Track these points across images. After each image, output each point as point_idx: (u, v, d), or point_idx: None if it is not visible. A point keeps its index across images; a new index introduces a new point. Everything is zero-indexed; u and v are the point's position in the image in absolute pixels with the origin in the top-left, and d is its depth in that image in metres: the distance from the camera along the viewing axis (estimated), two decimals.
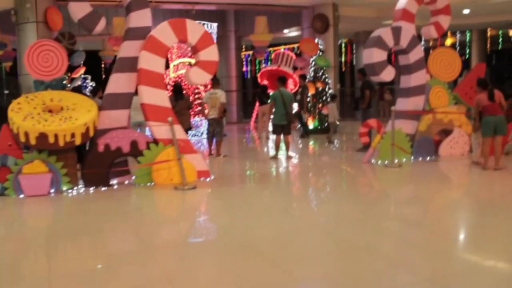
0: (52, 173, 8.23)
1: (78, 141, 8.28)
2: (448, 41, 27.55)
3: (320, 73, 17.27)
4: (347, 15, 18.98)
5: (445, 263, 4.80)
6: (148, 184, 8.85)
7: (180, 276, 4.60)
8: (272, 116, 11.82)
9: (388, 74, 10.76)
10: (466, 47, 27.55)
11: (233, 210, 7.36)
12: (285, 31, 23.18)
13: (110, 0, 15.61)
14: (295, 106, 15.40)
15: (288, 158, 11.76)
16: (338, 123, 14.51)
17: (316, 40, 17.69)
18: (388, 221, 6.50)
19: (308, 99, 17.13)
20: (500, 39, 28.34)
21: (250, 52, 29.42)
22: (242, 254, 5.14)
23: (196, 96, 16.16)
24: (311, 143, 15.29)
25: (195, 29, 9.20)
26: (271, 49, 24.24)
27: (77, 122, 8.22)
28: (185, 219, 7.06)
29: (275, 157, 11.73)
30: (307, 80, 17.09)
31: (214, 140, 12.38)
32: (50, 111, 8.42)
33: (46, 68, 9.15)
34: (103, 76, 29.06)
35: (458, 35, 27.99)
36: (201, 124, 15.97)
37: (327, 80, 17.36)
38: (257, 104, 17.52)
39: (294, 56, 18.40)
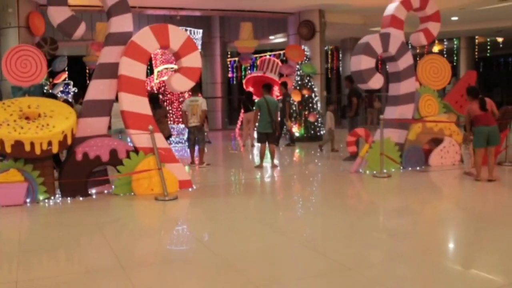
0: (28, 182, 7.86)
1: (55, 149, 7.93)
2: (436, 48, 27.49)
3: (306, 80, 17.02)
4: (333, 22, 18.77)
5: (436, 277, 4.57)
6: (128, 194, 8.52)
7: None
8: (257, 124, 11.53)
9: (376, 82, 10.52)
10: (454, 54, 27.51)
11: (215, 223, 7.05)
12: (271, 37, 22.95)
13: (93, 5, 15.24)
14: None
15: (273, 167, 11.47)
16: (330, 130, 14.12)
17: (302, 47, 17.45)
18: (377, 236, 6.22)
19: (294, 106, 16.90)
20: (488, 47, 28.34)
21: (236, 59, 29.15)
22: (221, 273, 4.83)
23: (181, 103, 15.84)
24: (297, 151, 15.02)
25: (178, 34, 8.90)
26: (256, 55, 23.98)
27: (54, 129, 7.87)
28: (164, 232, 6.73)
29: (260, 166, 11.44)
30: (293, 87, 16.88)
31: (197, 148, 12.09)
32: (27, 118, 8.07)
33: (24, 74, 8.83)
34: (88, 82, 28.59)
35: (445, 42, 27.95)
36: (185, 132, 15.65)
37: (313, 87, 17.11)
38: (242, 111, 17.22)
39: (280, 63, 18.17)
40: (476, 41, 26.64)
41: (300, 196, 8.96)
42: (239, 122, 19.32)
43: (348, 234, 6.27)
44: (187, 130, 12.16)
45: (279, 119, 12.10)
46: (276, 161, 11.82)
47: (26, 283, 4.64)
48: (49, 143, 7.80)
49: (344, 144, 13.48)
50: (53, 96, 10.96)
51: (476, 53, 27.13)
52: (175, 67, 14.88)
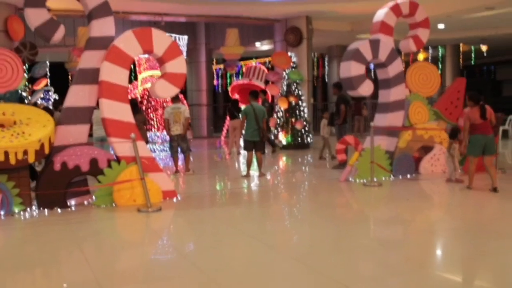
0: (2, 194, 7.45)
1: (31, 159, 7.53)
2: (421, 56, 27.41)
3: (293, 88, 16.74)
4: (320, 29, 18.55)
5: None
6: (109, 205, 8.14)
7: None
8: (243, 132, 11.21)
9: (366, 89, 10.29)
10: (438, 62, 27.45)
11: (201, 237, 6.69)
12: (257, 44, 22.69)
13: (75, 9, 14.84)
14: None
15: (261, 176, 11.14)
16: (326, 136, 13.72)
17: (289, 54, 17.18)
18: (372, 248, 5.91)
19: (280, 113, 16.62)
20: (473, 55, 28.34)
21: (221, 66, 28.87)
22: None
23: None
24: (284, 159, 14.72)
25: (162, 39, 8.57)
26: (242, 62, 23.68)
27: (30, 138, 7.47)
28: (146, 247, 6.36)
29: (247, 175, 11.10)
30: (280, 95, 16.61)
31: (181, 156, 11.78)
32: (1, 125, 7.68)
33: None
34: None
35: (430, 50, 27.90)
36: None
37: (300, 94, 16.84)
38: (228, 118, 16.89)
39: (266, 70, 17.88)
40: (461, 49, 26.63)
41: (289, 206, 8.64)
42: (224, 130, 18.98)
43: (340, 246, 5.99)
44: (169, 138, 11.80)
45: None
46: (263, 170, 11.50)
47: None
48: (25, 152, 7.40)
49: (332, 152, 13.27)
50: (48, 110, 10.51)
51: (461, 61, 27.11)
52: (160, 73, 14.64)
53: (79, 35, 17.89)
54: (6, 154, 7.28)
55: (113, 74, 8.29)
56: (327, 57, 27.46)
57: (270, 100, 17.63)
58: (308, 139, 16.76)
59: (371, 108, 21.07)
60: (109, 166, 8.16)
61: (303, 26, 17.68)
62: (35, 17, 8.15)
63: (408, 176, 10.65)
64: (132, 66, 17.86)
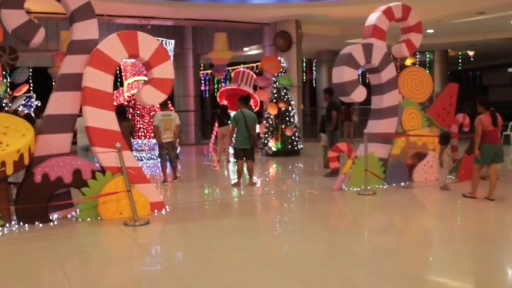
0: None
1: (9, 170, 7.11)
2: (408, 61, 27.26)
3: (283, 93, 16.42)
4: (310, 33, 18.25)
5: None
6: (94, 219, 7.75)
7: None
8: (233, 139, 10.84)
9: (359, 94, 10.01)
10: (426, 67, 27.32)
11: (190, 252, 6.31)
12: (245, 49, 22.35)
13: (58, 12, 14.42)
14: None
15: (252, 185, 10.78)
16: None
17: (278, 58, 16.85)
18: (372, 263, 5.57)
19: (270, 120, 16.29)
20: (460, 60, 28.26)
21: (209, 72, 28.51)
22: None
23: (153, 118, 15.09)
24: (274, 166, 14.38)
25: (148, 43, 8.20)
26: (229, 68, 23.35)
27: (8, 148, 7.06)
28: (133, 264, 5.96)
29: (237, 184, 10.74)
30: (269, 100, 16.29)
31: (169, 164, 11.43)
32: None
33: None
34: None
35: (418, 56, 27.76)
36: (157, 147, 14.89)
37: (290, 100, 16.51)
38: (216, 125, 16.54)
39: (254, 75, 17.56)
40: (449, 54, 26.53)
41: (282, 217, 8.28)
42: (213, 137, 18.64)
43: (338, 261, 5.69)
44: (158, 146, 11.45)
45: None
46: (254, 178, 11.16)
47: None
48: (3, 164, 6.99)
49: (322, 158, 12.94)
50: (30, 118, 10.07)
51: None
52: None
53: (62, 39, 17.49)
54: None
55: (97, 79, 7.90)
56: (315, 62, 27.20)
57: (258, 106, 17.29)
58: (299, 145, 16.42)
59: (360, 114, 20.80)
60: (94, 177, 7.77)
61: (293, 30, 17.37)
62: (12, 19, 7.70)
63: (402, 184, 10.38)
64: (117, 71, 17.59)
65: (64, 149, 7.92)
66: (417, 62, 27.31)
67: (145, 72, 13.25)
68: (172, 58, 19.03)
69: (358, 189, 9.74)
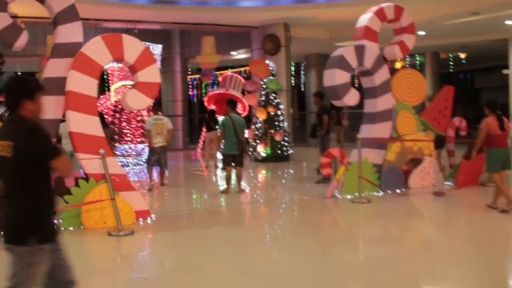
0: None
1: None
2: (398, 65, 27.08)
3: (272, 97, 16.14)
4: (299, 36, 17.98)
5: None
6: (77, 228, 7.41)
7: None
8: (222, 145, 10.53)
9: (351, 98, 9.73)
10: (417, 70, 27.14)
11: (175, 265, 6.01)
12: (233, 53, 22.08)
13: (45, 17, 14.04)
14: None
15: (241, 191, 10.47)
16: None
17: (267, 62, 16.57)
18: (362, 276, 5.29)
19: (259, 125, 16.01)
20: (451, 63, 28.13)
21: (197, 76, 28.21)
22: None
23: (140, 123, 14.77)
24: (264, 172, 14.09)
25: (133, 45, 7.89)
26: (217, 72, 23.05)
27: None
28: (116, 277, 5.65)
29: (226, 191, 10.41)
30: (258, 105, 16.01)
31: (156, 169, 11.16)
32: None
33: None
34: None
35: (407, 59, 27.60)
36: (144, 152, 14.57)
37: (279, 104, 16.25)
38: (204, 130, 16.23)
39: (242, 79, 17.28)
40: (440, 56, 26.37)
41: (272, 227, 7.97)
42: (200, 142, 18.32)
43: (332, 275, 5.41)
44: (149, 150, 11.15)
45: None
46: (243, 185, 10.85)
47: None
48: None
49: (313, 164, 12.66)
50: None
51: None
52: None
53: (48, 43, 17.08)
54: None
55: (81, 83, 7.59)
56: (303, 65, 26.96)
57: (246, 110, 16.99)
58: (288, 151, 16.14)
59: (349, 118, 20.58)
60: (77, 184, 7.45)
61: (281, 33, 17.11)
62: None
63: (398, 191, 10.09)
64: (105, 76, 17.26)
65: None
66: (407, 65, 27.17)
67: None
68: (159, 62, 18.81)
69: (352, 196, 9.45)
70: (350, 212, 8.82)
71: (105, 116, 13.56)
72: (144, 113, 14.76)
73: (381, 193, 9.87)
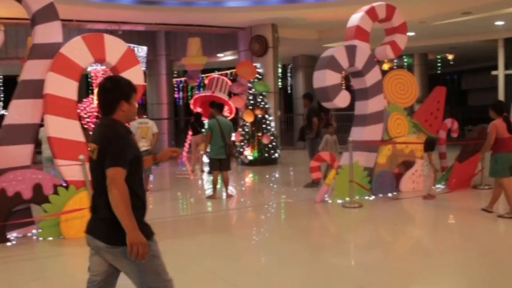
0: None
1: None
2: (385, 66, 26.93)
3: (259, 99, 15.83)
4: (287, 37, 17.67)
5: None
6: (57, 238, 7.03)
7: None
8: (208, 149, 10.19)
9: (342, 100, 9.45)
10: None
11: None
12: (219, 55, 21.74)
13: (27, 18, 13.63)
14: None
15: (228, 197, 10.14)
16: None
17: (254, 64, 16.25)
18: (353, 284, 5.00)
19: (246, 127, 15.69)
20: (439, 64, 28.03)
21: (182, 79, 27.82)
22: None
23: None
24: (251, 176, 13.77)
25: (115, 46, 7.55)
26: (203, 75, 22.70)
27: None
28: None
29: (212, 197, 10.08)
30: (245, 107, 15.69)
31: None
32: None
33: None
34: None
35: (395, 60, 27.45)
36: None
37: (266, 106, 15.94)
38: (190, 133, 15.88)
39: (229, 81, 16.94)
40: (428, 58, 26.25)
41: (261, 234, 7.66)
42: (186, 145, 17.96)
43: (323, 285, 5.05)
44: None
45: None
46: (230, 190, 10.52)
47: None
48: None
49: (301, 167, 12.36)
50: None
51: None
52: None
53: (28, 45, 16.66)
54: None
55: (60, 86, 7.22)
56: (290, 67, 26.72)
57: (233, 113, 16.66)
58: (276, 154, 15.83)
59: (336, 120, 20.33)
60: (56, 192, 7.06)
61: (269, 34, 16.77)
62: None
63: (389, 194, 9.83)
64: (88, 78, 16.87)
65: (24, 161, 7.20)
66: (395, 66, 27.04)
67: None
68: (144, 65, 18.45)
69: (343, 201, 9.17)
70: (341, 217, 8.54)
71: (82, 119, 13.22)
72: None
73: (372, 197, 9.61)
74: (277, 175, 13.78)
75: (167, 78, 22.49)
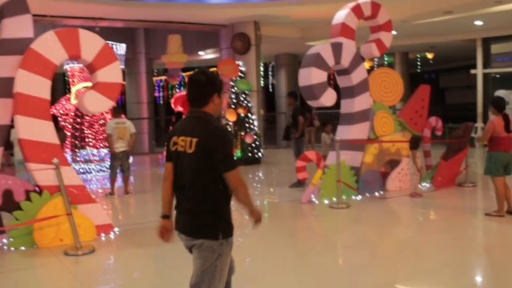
0: None
1: None
2: (366, 65, 26.75)
3: (242, 98, 15.49)
4: (269, 35, 17.35)
5: None
6: (30, 247, 6.61)
7: None
8: None
9: (329, 98, 9.16)
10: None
11: None
12: (201, 53, 21.32)
13: None
14: None
15: None
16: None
17: (236, 62, 15.89)
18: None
19: (229, 127, 15.34)
20: (419, 63, 27.97)
21: (162, 78, 27.38)
22: None
23: (102, 127, 13.94)
24: None
25: (91, 41, 7.13)
26: (184, 73, 22.27)
27: None
28: None
29: None
30: (227, 106, 15.34)
31: (120, 176, 10.46)
32: None
33: None
34: None
35: (376, 59, 27.32)
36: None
37: (249, 105, 15.60)
38: None
39: None
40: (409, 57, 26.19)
41: (246, 237, 7.28)
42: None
43: None
44: (110, 156, 10.40)
45: None
46: None
47: None
48: None
49: (286, 167, 12.05)
50: None
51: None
52: None
53: None
54: None
55: (31, 84, 6.79)
56: (271, 66, 26.41)
57: None
58: (259, 153, 15.50)
59: (319, 119, 20.08)
60: (28, 198, 6.64)
61: (251, 32, 16.42)
62: None
63: (376, 194, 9.58)
64: (65, 76, 16.34)
65: None
66: (375, 65, 26.90)
67: None
68: (123, 63, 17.95)
69: (329, 201, 8.89)
70: (329, 218, 8.28)
71: (60, 119, 12.79)
72: (108, 116, 13.94)
73: (359, 197, 9.37)
74: (261, 175, 13.47)
75: (147, 76, 21.98)
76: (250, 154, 15.33)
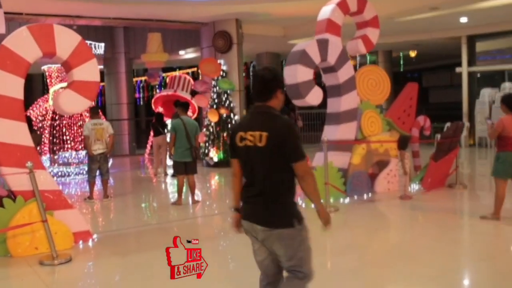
0: None
1: None
2: None
3: (224, 98, 15.16)
4: (251, 33, 17.02)
5: None
6: (2, 256, 6.24)
7: None
8: (173, 151, 9.47)
9: (315, 97, 8.89)
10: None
11: None
12: (181, 52, 20.93)
13: None
14: None
15: (194, 203, 9.45)
16: None
17: (218, 61, 15.56)
18: None
19: (211, 128, 15.02)
20: (401, 62, 27.88)
21: (143, 78, 26.96)
22: None
23: (81, 128, 13.52)
24: (217, 179, 13.10)
25: (67, 38, 6.77)
26: (164, 74, 21.89)
27: None
28: None
29: (178, 203, 9.37)
30: (209, 106, 15.02)
31: (99, 179, 10.11)
32: None
33: None
34: None
35: (358, 57, 27.15)
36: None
37: (231, 105, 15.28)
38: (152, 134, 15.12)
39: (191, 80, 16.23)
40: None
41: (232, 243, 6.99)
42: (148, 147, 17.18)
43: None
44: (88, 158, 10.03)
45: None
46: (197, 194, 9.83)
47: None
48: None
49: None
50: None
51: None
52: None
53: None
54: None
55: (3, 83, 6.40)
56: (252, 65, 26.15)
57: (196, 112, 15.95)
58: None
59: (302, 119, 19.85)
60: (1, 205, 6.27)
61: (233, 30, 16.07)
62: None
63: (365, 196, 9.34)
64: (43, 77, 15.89)
65: None
66: (358, 64, 26.73)
67: None
68: (102, 62, 17.53)
69: None
70: (317, 222, 7.90)
71: (37, 120, 12.38)
72: (87, 116, 13.54)
73: (347, 200, 9.12)
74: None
75: (127, 76, 21.52)
76: None
